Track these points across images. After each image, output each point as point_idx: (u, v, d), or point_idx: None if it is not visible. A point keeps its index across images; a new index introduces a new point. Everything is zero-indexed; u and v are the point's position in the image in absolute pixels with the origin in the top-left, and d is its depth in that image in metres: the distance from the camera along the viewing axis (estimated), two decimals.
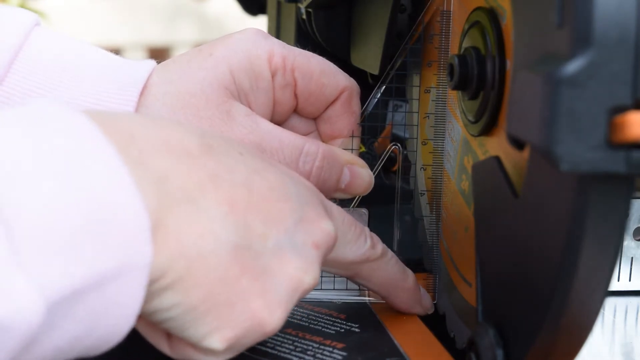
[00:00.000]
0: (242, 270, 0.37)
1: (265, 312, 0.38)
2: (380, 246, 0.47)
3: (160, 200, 0.34)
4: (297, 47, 0.53)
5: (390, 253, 0.48)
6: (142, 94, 0.49)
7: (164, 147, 0.36)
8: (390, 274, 0.48)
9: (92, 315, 0.33)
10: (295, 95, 0.52)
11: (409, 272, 0.50)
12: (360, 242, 0.45)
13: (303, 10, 0.64)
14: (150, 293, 0.35)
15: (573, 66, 0.31)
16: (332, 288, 0.55)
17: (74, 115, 0.34)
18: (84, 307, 0.32)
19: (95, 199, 0.32)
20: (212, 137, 0.39)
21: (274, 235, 0.38)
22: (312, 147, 0.50)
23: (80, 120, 0.34)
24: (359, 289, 0.55)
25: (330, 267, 0.47)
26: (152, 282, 0.35)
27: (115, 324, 0.34)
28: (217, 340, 0.37)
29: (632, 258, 0.56)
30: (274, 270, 0.38)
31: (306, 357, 0.46)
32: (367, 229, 0.47)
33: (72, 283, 0.31)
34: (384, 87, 0.54)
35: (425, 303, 0.51)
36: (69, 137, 0.33)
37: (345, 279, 0.55)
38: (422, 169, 0.55)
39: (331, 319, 0.51)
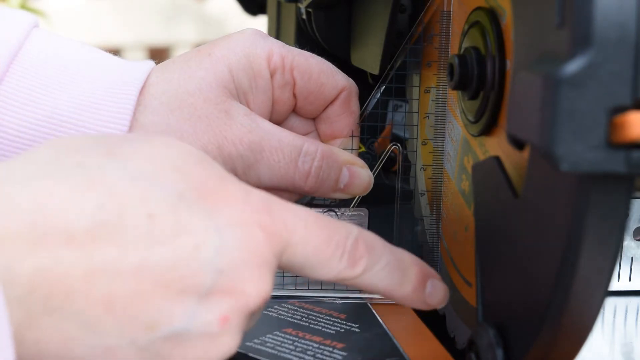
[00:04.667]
0: None
1: None
2: (362, 263, 0.39)
3: (21, 315, 0.32)
4: (297, 47, 0.53)
5: (380, 263, 0.40)
6: (140, 93, 0.49)
7: (42, 239, 0.32)
8: (379, 286, 0.41)
9: None
10: (294, 95, 0.52)
11: (410, 273, 0.42)
12: (332, 265, 0.39)
13: (303, 10, 0.64)
14: None
15: (573, 66, 0.31)
16: (332, 288, 0.55)
17: None
18: None
19: None
20: (115, 205, 0.33)
21: (165, 324, 0.34)
22: (311, 146, 0.50)
23: None
24: (359, 289, 0.55)
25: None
26: None
27: None
28: None
29: (632, 258, 0.56)
30: (165, 356, 0.34)
31: (306, 357, 0.46)
32: (350, 245, 0.39)
33: None
34: (384, 87, 0.54)
35: (431, 301, 0.43)
36: None
37: None
38: (422, 169, 0.55)
39: (331, 319, 0.51)
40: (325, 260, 0.39)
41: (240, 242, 0.35)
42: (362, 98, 0.54)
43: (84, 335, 0.33)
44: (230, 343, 0.36)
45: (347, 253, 0.39)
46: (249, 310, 0.36)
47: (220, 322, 0.35)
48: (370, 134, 0.55)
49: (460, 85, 0.44)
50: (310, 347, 0.47)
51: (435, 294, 0.43)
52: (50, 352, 0.33)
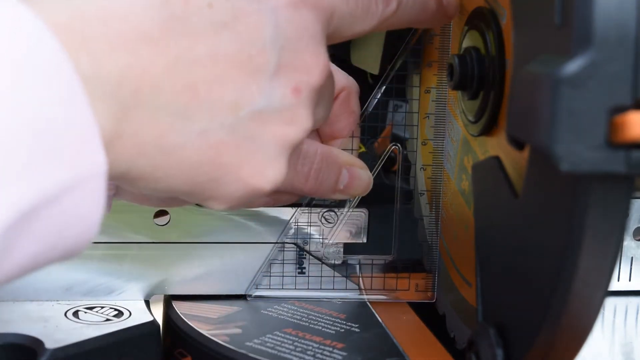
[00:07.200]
0: (218, 150, 0.37)
1: (256, 177, 0.38)
2: None
3: (115, 110, 0.34)
4: None
5: None
6: None
7: (119, 40, 0.34)
8: (413, 15, 0.44)
9: (52, 231, 0.32)
10: None
11: None
12: (372, 11, 0.42)
13: None
14: (122, 185, 0.36)
15: (573, 66, 0.31)
16: (332, 288, 0.55)
17: (16, 10, 0.31)
18: (42, 225, 0.31)
19: (44, 116, 0.31)
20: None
21: (246, 103, 0.37)
22: (310, 148, 0.50)
23: (23, 16, 0.31)
24: (359, 289, 0.55)
25: None
26: (118, 179, 0.35)
27: (78, 234, 0.33)
28: (216, 205, 0.38)
29: (632, 258, 0.56)
30: (254, 135, 0.37)
31: (306, 357, 0.46)
32: None
33: (19, 207, 0.30)
34: (384, 87, 0.54)
35: (450, 11, 0.46)
36: (16, 42, 0.31)
37: (344, 279, 0.55)
38: (422, 169, 0.55)
39: (331, 319, 0.51)
40: (366, 8, 0.42)
41: (291, 20, 0.38)
42: (362, 98, 0.54)
43: (176, 122, 0.35)
44: (307, 117, 0.39)
45: None
46: (315, 83, 0.39)
47: (293, 92, 0.38)
48: (370, 134, 0.55)
49: (460, 85, 0.44)
50: (310, 347, 0.47)
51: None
52: (149, 143, 0.35)
